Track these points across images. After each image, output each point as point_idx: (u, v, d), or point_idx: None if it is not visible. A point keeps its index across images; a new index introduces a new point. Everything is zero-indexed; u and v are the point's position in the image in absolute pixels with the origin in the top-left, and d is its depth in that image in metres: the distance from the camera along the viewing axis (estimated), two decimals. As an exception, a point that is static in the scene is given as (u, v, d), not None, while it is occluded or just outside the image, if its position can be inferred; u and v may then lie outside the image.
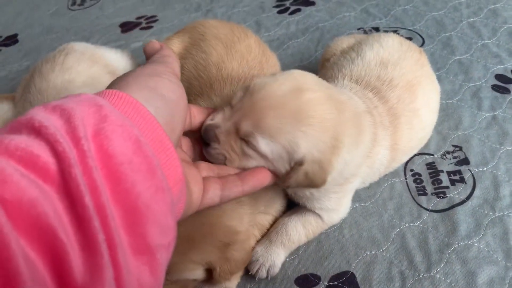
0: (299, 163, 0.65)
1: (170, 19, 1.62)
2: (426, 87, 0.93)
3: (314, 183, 0.68)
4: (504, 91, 1.09)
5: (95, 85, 1.09)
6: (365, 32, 1.38)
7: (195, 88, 0.97)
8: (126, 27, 1.61)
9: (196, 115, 0.69)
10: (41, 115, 0.41)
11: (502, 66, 1.16)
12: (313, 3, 1.56)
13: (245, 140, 0.65)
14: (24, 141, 0.38)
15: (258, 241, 0.86)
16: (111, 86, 0.51)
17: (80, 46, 1.18)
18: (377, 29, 1.38)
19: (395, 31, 1.35)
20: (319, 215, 0.84)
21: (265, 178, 0.67)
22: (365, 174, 0.85)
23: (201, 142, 0.68)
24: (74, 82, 1.07)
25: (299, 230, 0.84)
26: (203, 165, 0.67)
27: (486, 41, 1.24)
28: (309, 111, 0.65)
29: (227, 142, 0.66)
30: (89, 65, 1.12)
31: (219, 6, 1.64)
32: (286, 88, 0.65)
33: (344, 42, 1.04)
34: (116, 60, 1.21)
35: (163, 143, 0.47)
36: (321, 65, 1.08)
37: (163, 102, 0.50)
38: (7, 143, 0.38)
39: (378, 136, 0.82)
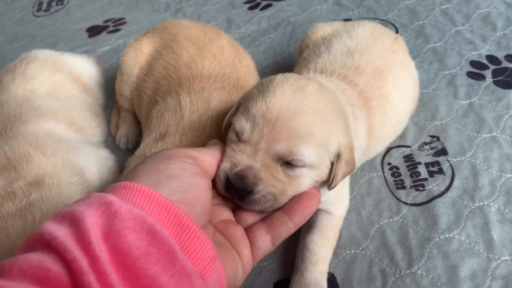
0: (338, 155, 0.64)
1: (138, 21, 1.57)
2: (397, 73, 0.90)
3: (352, 167, 0.68)
4: (480, 77, 1.07)
5: (58, 94, 1.05)
6: (337, 24, 1.35)
7: (164, 87, 0.94)
8: (93, 31, 1.56)
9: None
10: (51, 227, 0.41)
11: (476, 52, 1.14)
12: (284, -3, 1.53)
13: (289, 161, 0.61)
14: (37, 258, 0.39)
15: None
16: (122, 178, 0.50)
17: (42, 54, 1.13)
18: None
19: (368, 22, 1.32)
20: (328, 212, 0.80)
21: (311, 201, 0.62)
22: None
23: (231, 196, 0.62)
24: (36, 91, 1.02)
25: (320, 242, 0.78)
26: (245, 213, 0.62)
27: (459, 28, 1.22)
28: (321, 102, 0.64)
29: (270, 176, 0.61)
30: (51, 73, 1.08)
31: (189, 5, 1.60)
32: (289, 94, 0.62)
33: (320, 30, 1.01)
34: (81, 66, 1.17)
35: (182, 223, 0.46)
36: (298, 56, 1.05)
37: (174, 181, 0.49)
38: (20, 263, 0.38)
39: (356, 114, 0.80)
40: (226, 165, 0.61)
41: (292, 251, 0.83)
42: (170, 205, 0.45)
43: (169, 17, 1.55)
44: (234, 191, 0.61)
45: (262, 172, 0.60)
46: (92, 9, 1.70)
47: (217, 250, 0.49)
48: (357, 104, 0.82)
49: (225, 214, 0.62)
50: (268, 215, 0.62)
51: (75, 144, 0.95)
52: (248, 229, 0.60)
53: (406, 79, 0.93)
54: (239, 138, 0.63)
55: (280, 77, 0.67)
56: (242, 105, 0.67)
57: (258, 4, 1.52)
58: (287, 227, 0.59)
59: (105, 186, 0.92)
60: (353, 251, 0.81)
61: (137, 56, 1.04)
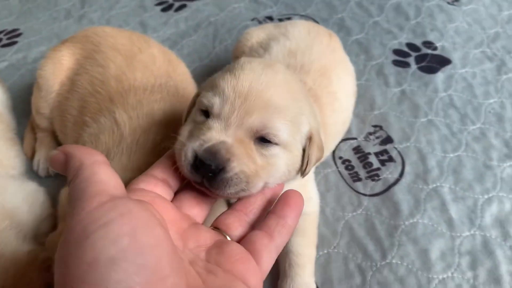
0: (310, 139, 0.61)
1: (36, 31, 1.39)
2: (339, 72, 0.92)
3: (322, 154, 0.65)
4: (405, 65, 1.13)
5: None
6: (259, 22, 1.33)
7: (92, 105, 0.83)
8: (-18, 46, 1.34)
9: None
10: None
11: (396, 41, 1.20)
12: (198, -3, 1.47)
13: (263, 136, 0.56)
14: None
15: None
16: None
17: None
18: (270, 18, 1.34)
19: (288, 19, 1.32)
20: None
21: (296, 199, 0.54)
22: None
23: (199, 179, 0.54)
24: None
25: (303, 242, 0.75)
26: (229, 219, 0.53)
27: (376, 19, 1.28)
28: (291, 80, 0.62)
29: (244, 153, 0.54)
30: None
31: (93, 10, 1.46)
32: (258, 70, 0.59)
33: (254, 36, 0.98)
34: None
35: None
36: (233, 62, 1.01)
37: (120, 264, 0.33)
38: None
39: None
40: (194, 144, 0.55)
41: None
42: None
43: (72, 24, 1.40)
44: (203, 171, 0.53)
45: (236, 148, 0.54)
46: (-26, 21, 1.46)
47: None
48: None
49: (207, 235, 0.50)
50: (262, 223, 0.53)
51: (-5, 181, 0.80)
52: (246, 241, 0.49)
53: (348, 77, 0.95)
54: (207, 116, 0.58)
55: (245, 58, 0.64)
56: (204, 89, 0.62)
57: (171, 5, 1.44)
58: (287, 230, 0.51)
59: (40, 224, 0.79)
60: (325, 251, 0.80)
61: (57, 69, 0.91)
